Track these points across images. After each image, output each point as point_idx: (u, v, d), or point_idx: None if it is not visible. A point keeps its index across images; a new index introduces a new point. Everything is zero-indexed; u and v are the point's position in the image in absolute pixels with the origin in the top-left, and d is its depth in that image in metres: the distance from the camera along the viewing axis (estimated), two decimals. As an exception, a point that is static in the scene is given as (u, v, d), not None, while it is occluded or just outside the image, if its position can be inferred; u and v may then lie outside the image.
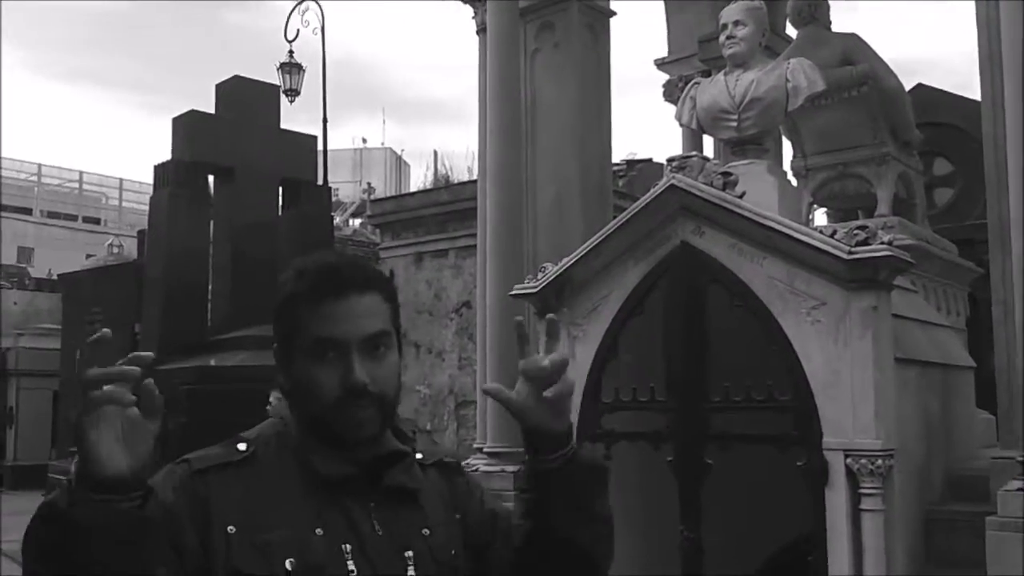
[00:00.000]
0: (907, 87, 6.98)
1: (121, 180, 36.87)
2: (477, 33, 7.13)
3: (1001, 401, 4.64)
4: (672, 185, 4.51)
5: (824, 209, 6.94)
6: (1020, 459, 4.22)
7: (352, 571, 1.26)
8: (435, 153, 29.67)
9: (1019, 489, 4.14)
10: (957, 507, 4.61)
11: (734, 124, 5.03)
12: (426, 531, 1.37)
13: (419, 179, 29.90)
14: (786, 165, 6.77)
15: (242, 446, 1.33)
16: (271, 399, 7.19)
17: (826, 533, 4.00)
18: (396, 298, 1.41)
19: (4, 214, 26.58)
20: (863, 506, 3.96)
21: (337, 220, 20.70)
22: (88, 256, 23.63)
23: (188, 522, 1.23)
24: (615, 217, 5.04)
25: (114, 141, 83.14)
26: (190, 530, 1.23)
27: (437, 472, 1.48)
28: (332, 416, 1.31)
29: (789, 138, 6.72)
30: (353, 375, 1.30)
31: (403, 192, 22.65)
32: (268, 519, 1.25)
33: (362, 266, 1.40)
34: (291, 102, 14.61)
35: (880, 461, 3.93)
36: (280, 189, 12.19)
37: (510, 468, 6.14)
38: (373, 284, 1.37)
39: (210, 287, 11.62)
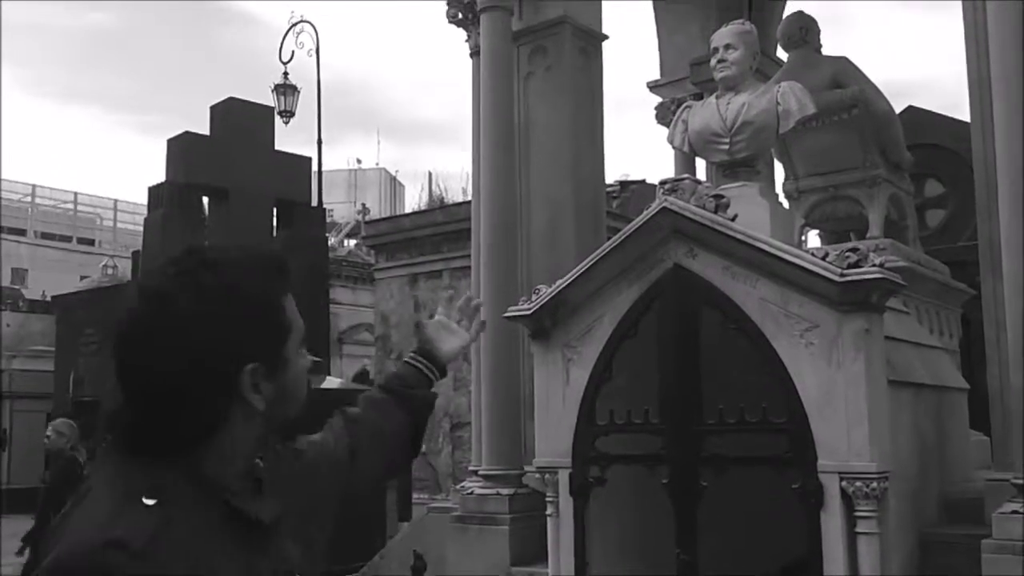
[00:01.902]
0: (898, 109, 7.03)
1: (115, 201, 36.86)
2: (471, 56, 7.17)
3: (995, 423, 4.64)
4: (664, 208, 4.53)
5: (816, 231, 6.96)
6: (1015, 481, 4.21)
7: None
8: (429, 174, 29.77)
9: (1014, 511, 4.14)
10: (952, 530, 4.60)
11: (726, 147, 5.06)
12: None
13: (414, 200, 30.00)
14: (778, 187, 6.80)
15: (150, 501, 1.10)
16: (49, 432, 7.21)
17: (822, 556, 3.98)
18: None
19: (-1, 235, 26.54)
20: (859, 529, 3.95)
21: (332, 241, 20.73)
22: (82, 277, 23.61)
23: None
24: (609, 239, 5.05)
25: (109, 161, 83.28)
26: None
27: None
28: (300, 412, 1.29)
29: (780, 160, 6.75)
30: (312, 360, 1.32)
31: (398, 213, 22.70)
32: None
33: None
34: (286, 123, 14.67)
35: (875, 484, 3.93)
36: (275, 210, 12.21)
37: (505, 491, 6.12)
38: None
39: (204, 308, 11.56)
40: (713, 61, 5.18)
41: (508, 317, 5.24)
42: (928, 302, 6.07)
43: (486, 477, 6.28)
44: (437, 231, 11.74)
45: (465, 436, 10.05)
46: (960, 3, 5.04)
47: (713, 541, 4.37)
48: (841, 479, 3.96)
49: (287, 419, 1.28)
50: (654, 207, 4.59)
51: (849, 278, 3.95)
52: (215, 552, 1.11)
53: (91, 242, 34.90)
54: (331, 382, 9.98)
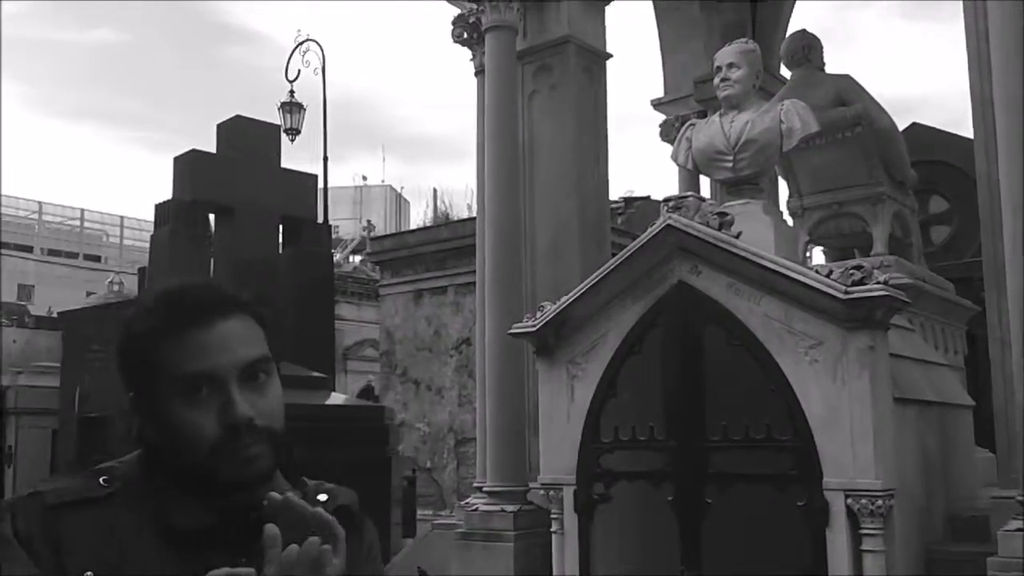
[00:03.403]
0: (901, 125, 7.04)
1: (122, 218, 37.00)
2: (475, 75, 7.23)
3: (1000, 440, 4.64)
4: (669, 225, 4.55)
5: (821, 248, 6.98)
6: (1020, 499, 4.20)
7: None
8: (434, 191, 29.85)
9: (1019, 529, 4.12)
10: (958, 547, 4.59)
11: (729, 165, 5.08)
12: None
13: (419, 216, 30.07)
14: (782, 205, 6.82)
15: (103, 480, 1.17)
16: None
17: (827, 573, 3.98)
18: (267, 322, 1.27)
19: (4, 252, 26.65)
20: (864, 546, 3.94)
21: (337, 257, 20.77)
22: (89, 294, 23.64)
23: (40, 556, 1.09)
24: (613, 255, 5.07)
25: (116, 178, 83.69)
26: (43, 565, 1.09)
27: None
28: (213, 462, 1.15)
29: (784, 178, 6.78)
30: (234, 409, 1.15)
31: (403, 229, 22.75)
32: (123, 572, 1.10)
33: (223, 289, 1.26)
34: (292, 141, 14.75)
35: (880, 501, 3.93)
36: (280, 227, 12.26)
37: (509, 508, 6.11)
38: (240, 307, 1.23)
39: (210, 325, 11.58)
40: (716, 79, 5.22)
41: (513, 334, 5.26)
42: (933, 319, 6.07)
43: (491, 493, 6.27)
44: (442, 247, 11.75)
45: (470, 452, 10.03)
46: (963, 20, 5.07)
47: (718, 558, 4.36)
48: (846, 496, 3.96)
49: (190, 465, 1.17)
50: (658, 224, 4.61)
51: (854, 295, 3.97)
52: (138, 542, 1.12)
53: (97, 259, 35.00)
54: (336, 398, 9.99)
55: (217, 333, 1.18)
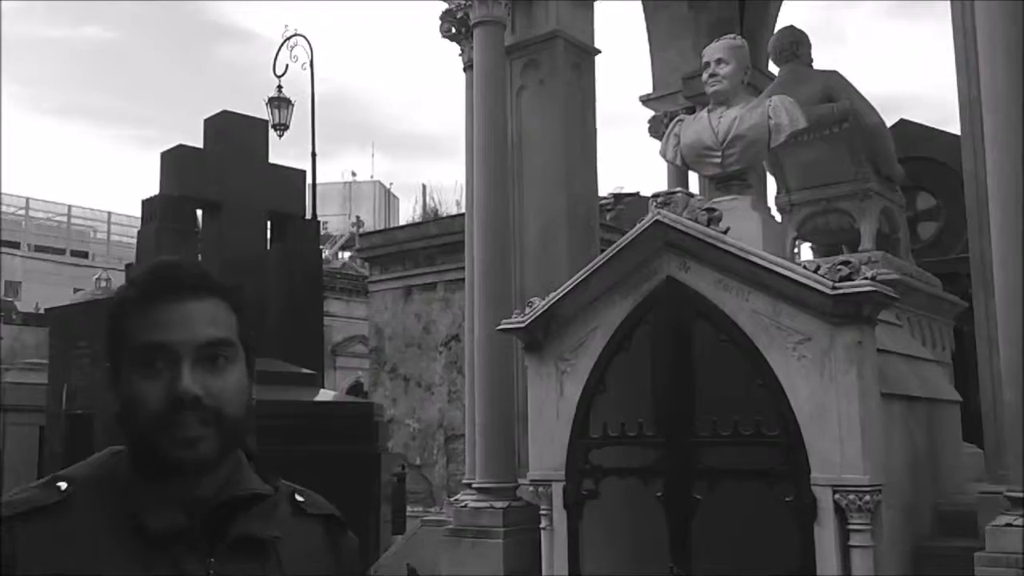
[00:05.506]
0: (889, 122, 7.06)
1: (109, 214, 36.82)
2: (464, 70, 7.20)
3: (987, 435, 4.66)
4: (657, 221, 4.55)
5: (809, 244, 6.99)
6: (1008, 494, 4.22)
7: None
8: (424, 187, 29.82)
9: (1008, 524, 4.14)
10: (946, 542, 4.60)
11: (718, 160, 5.09)
12: None
13: (408, 213, 29.99)
14: (770, 201, 6.82)
15: (62, 485, 1.14)
16: None
17: (815, 569, 3.98)
18: (243, 309, 1.27)
19: (-9, 248, 26.47)
20: (852, 542, 3.95)
21: (326, 254, 20.72)
22: (76, 290, 23.56)
23: None
24: (602, 251, 5.07)
25: (103, 175, 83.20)
26: None
27: (322, 526, 1.30)
28: (156, 435, 1.14)
29: (773, 174, 6.78)
30: (180, 383, 1.14)
31: (392, 225, 22.71)
32: None
33: (201, 270, 1.27)
34: (280, 136, 14.70)
35: (868, 496, 3.94)
36: (268, 223, 12.20)
37: (499, 504, 6.10)
38: (214, 289, 1.23)
39: (197, 321, 11.52)
40: (705, 75, 5.22)
41: (502, 330, 5.25)
42: (920, 314, 6.09)
43: (480, 490, 6.26)
44: (431, 243, 11.72)
45: (459, 449, 10.02)
46: (950, 19, 5.08)
47: (707, 554, 4.37)
48: (834, 492, 3.97)
49: (136, 439, 1.19)
50: (647, 220, 4.61)
51: (841, 291, 3.97)
52: (99, 545, 1.11)
53: (85, 255, 34.83)
54: (325, 395, 9.96)
55: (182, 310, 1.19)
